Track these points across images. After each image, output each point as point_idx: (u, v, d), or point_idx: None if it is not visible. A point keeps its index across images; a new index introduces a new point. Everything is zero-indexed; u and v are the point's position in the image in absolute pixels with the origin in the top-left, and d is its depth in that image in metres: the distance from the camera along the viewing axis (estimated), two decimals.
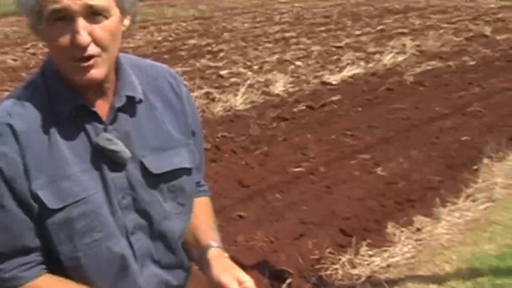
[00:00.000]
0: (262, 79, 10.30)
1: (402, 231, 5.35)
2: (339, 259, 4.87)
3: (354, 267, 4.88)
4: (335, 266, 4.79)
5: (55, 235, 1.76)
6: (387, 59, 11.59)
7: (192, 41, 14.40)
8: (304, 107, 8.81)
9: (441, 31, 14.64)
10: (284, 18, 18.11)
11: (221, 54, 12.60)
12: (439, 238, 5.28)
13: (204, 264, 1.96)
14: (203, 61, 12.06)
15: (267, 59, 11.90)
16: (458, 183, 6.21)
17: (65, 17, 1.62)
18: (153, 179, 1.88)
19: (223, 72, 10.89)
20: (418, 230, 5.43)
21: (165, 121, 1.93)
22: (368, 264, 4.92)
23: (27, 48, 14.28)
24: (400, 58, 11.78)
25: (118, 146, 1.79)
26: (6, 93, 9.97)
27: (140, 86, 1.89)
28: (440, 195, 5.91)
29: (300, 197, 5.94)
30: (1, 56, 13.44)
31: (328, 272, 4.75)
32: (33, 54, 13.59)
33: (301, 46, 13.33)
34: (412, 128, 7.96)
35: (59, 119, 1.74)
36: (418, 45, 12.90)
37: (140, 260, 1.91)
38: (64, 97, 1.74)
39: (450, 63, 11.42)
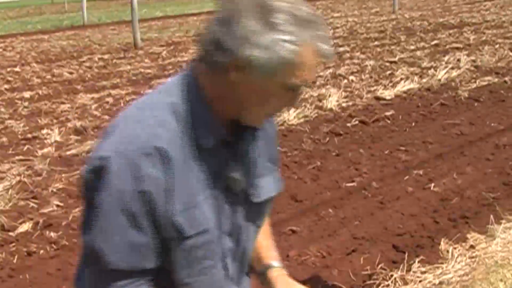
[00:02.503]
0: (315, 94, 10.30)
1: (455, 248, 5.30)
2: (391, 275, 4.84)
3: (406, 283, 4.85)
4: (386, 283, 4.76)
5: (179, 260, 1.83)
6: (442, 74, 11.50)
7: None
8: (357, 122, 8.80)
9: (497, 46, 14.48)
10: (338, 33, 18.10)
11: None
12: (494, 256, 5.22)
13: (266, 281, 2.07)
14: None
15: (321, 73, 11.90)
16: None
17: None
18: (251, 207, 1.97)
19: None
20: (472, 247, 5.37)
21: (261, 148, 1.99)
22: (420, 281, 4.88)
23: (83, 62, 14.53)
24: (455, 73, 11.68)
25: (239, 175, 1.87)
26: (63, 106, 10.17)
27: None
28: (495, 212, 5.84)
29: (352, 213, 5.93)
30: (58, 69, 13.70)
31: None
32: (89, 67, 13.81)
33: (355, 61, 13.31)
34: (466, 144, 7.89)
35: (198, 147, 1.78)
36: (473, 60, 12.77)
37: (230, 281, 2.00)
38: (210, 128, 1.78)
39: (506, 78, 11.28)
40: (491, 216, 5.73)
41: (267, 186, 1.99)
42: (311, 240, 5.42)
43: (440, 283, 4.89)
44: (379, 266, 4.96)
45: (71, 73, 13.26)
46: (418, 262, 5.07)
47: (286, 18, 1.63)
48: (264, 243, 2.16)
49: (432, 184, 6.57)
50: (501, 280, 4.81)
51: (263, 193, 1.97)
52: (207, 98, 1.78)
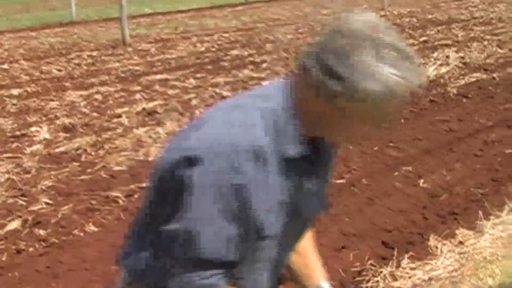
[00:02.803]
0: None
1: (444, 244, 5.31)
2: (381, 272, 4.85)
3: (395, 279, 4.86)
4: (376, 279, 4.78)
5: (248, 257, 1.95)
6: (431, 70, 11.52)
7: (234, 52, 14.48)
8: None
9: (485, 42, 14.52)
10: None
11: (264, 65, 12.64)
12: (482, 252, 5.23)
13: None
14: (246, 71, 12.11)
15: None
16: (502, 196, 6.15)
17: None
18: (298, 219, 2.05)
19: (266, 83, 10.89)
20: (461, 243, 5.39)
21: (328, 165, 2.15)
22: (409, 277, 4.89)
23: (72, 59, 14.48)
24: (444, 69, 11.71)
25: (313, 188, 1.99)
26: (51, 103, 10.14)
27: None
28: (484, 208, 5.86)
29: (342, 209, 5.94)
30: (46, 66, 13.64)
31: (369, 284, 4.74)
32: (78, 64, 13.77)
33: None
34: (455, 140, 7.91)
35: (281, 155, 1.87)
36: (461, 57, 12.81)
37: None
38: (296, 141, 1.88)
39: (495, 75, 11.32)
40: (480, 212, 5.75)
41: (319, 201, 2.10)
42: None
43: (430, 279, 4.90)
44: (369, 262, 4.97)
45: (59, 70, 13.21)
46: (408, 258, 5.08)
47: (395, 53, 1.78)
48: (313, 260, 2.28)
49: (421, 180, 6.58)
50: (490, 276, 4.83)
51: (317, 206, 2.09)
52: (300, 113, 1.88)
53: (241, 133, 1.82)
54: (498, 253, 5.21)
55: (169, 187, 1.88)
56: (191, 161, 1.80)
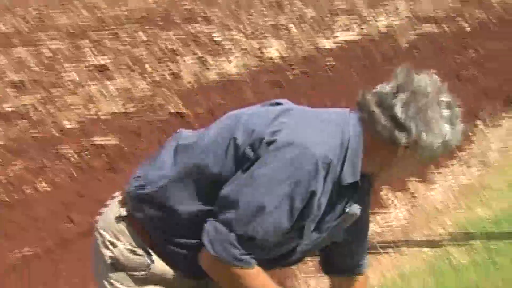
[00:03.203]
0: (255, 44, 10.25)
1: (396, 196, 5.36)
2: None
3: None
4: None
5: (276, 248, 2.13)
6: (381, 23, 11.53)
7: (185, 6, 14.31)
8: (298, 73, 8.78)
9: None
10: None
11: (215, 19, 12.52)
12: (433, 203, 5.30)
13: None
14: (196, 26, 11.99)
15: (261, 24, 11.83)
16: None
17: None
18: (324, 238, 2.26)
19: (216, 37, 10.83)
20: (413, 195, 5.45)
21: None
22: None
23: (18, 14, 14.18)
24: (394, 22, 11.72)
25: (357, 212, 2.18)
26: None
27: None
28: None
29: None
30: None
31: None
32: (25, 20, 13.50)
33: (295, 10, 13.25)
34: None
35: (338, 180, 2.06)
36: (412, 9, 12.82)
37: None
38: (354, 171, 2.06)
39: (445, 27, 11.37)
40: (431, 164, 5.81)
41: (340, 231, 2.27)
42: None
43: (382, 230, 4.95)
44: None
45: (6, 26, 12.94)
46: None
47: (450, 112, 2.05)
48: None
49: None
50: (441, 227, 4.89)
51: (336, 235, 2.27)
52: (363, 149, 2.08)
53: (328, 147, 2.01)
54: (448, 203, 5.28)
55: (250, 155, 2.05)
56: (287, 144, 1.99)
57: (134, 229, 2.19)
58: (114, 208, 2.27)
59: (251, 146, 2.04)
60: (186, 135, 2.27)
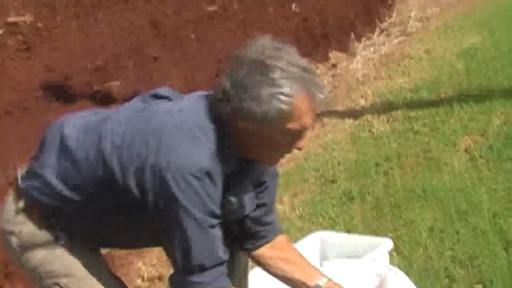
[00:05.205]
0: None
1: (317, 67, 5.36)
2: None
3: None
4: None
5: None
6: None
7: None
8: None
9: None
10: None
11: None
12: (355, 73, 5.32)
13: None
14: None
15: None
16: (373, 17, 6.20)
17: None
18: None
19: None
20: (334, 65, 5.46)
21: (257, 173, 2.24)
22: None
23: None
24: None
25: (234, 198, 2.13)
26: None
27: None
28: (355, 30, 5.91)
29: (215, 36, 5.86)
30: None
31: None
32: None
33: None
34: None
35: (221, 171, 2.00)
36: None
37: None
38: (232, 163, 2.02)
39: None
40: (352, 35, 5.80)
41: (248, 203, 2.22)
42: (173, 66, 5.35)
43: None
44: None
45: None
46: None
47: (282, 74, 1.90)
48: (299, 264, 2.33)
49: (293, 5, 6.52)
50: (362, 97, 4.93)
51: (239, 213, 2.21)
52: (231, 138, 2.01)
53: (200, 157, 1.95)
54: (369, 74, 5.30)
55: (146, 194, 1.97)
56: (164, 180, 1.92)
57: (35, 217, 2.15)
58: (11, 205, 2.19)
59: (134, 176, 1.99)
60: (67, 134, 2.16)
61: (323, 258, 3.03)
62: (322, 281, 2.24)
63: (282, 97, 1.90)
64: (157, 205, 1.95)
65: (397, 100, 4.77)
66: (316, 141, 4.37)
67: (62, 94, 5.11)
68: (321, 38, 5.87)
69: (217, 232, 2.01)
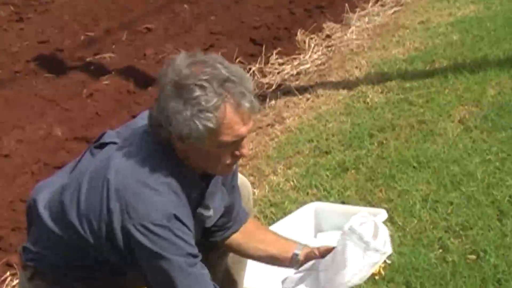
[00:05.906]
0: None
1: (312, 38, 5.34)
2: (250, 69, 4.85)
3: (264, 76, 4.88)
4: None
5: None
6: None
7: None
8: None
9: None
10: None
11: None
12: (349, 44, 5.29)
13: (302, 263, 2.29)
14: None
15: None
16: None
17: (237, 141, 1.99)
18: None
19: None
20: (328, 36, 5.44)
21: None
22: (278, 73, 4.93)
23: None
24: None
25: (204, 211, 2.16)
26: None
27: None
28: (350, 1, 5.88)
29: (208, 8, 5.83)
30: None
31: None
32: None
33: None
34: None
35: (189, 198, 2.06)
36: None
37: None
38: (196, 184, 2.09)
39: None
40: (346, 5, 5.77)
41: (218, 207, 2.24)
42: (167, 38, 5.32)
43: (298, 73, 4.95)
44: (237, 59, 4.94)
45: None
46: (276, 54, 5.09)
47: (201, 91, 1.89)
48: (271, 241, 2.37)
49: None
50: (356, 67, 4.90)
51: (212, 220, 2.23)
52: (181, 160, 2.05)
53: (163, 204, 1.97)
54: (364, 44, 5.27)
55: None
56: (129, 234, 1.95)
57: (41, 283, 2.18)
58: (20, 277, 2.31)
59: (108, 242, 2.01)
60: (41, 213, 2.14)
61: (318, 229, 3.03)
62: (298, 249, 2.29)
63: (205, 114, 1.90)
64: (141, 265, 1.99)
65: (391, 71, 4.75)
66: (310, 112, 4.35)
67: (54, 66, 5.10)
68: (315, 9, 5.85)
69: (203, 271, 2.03)
